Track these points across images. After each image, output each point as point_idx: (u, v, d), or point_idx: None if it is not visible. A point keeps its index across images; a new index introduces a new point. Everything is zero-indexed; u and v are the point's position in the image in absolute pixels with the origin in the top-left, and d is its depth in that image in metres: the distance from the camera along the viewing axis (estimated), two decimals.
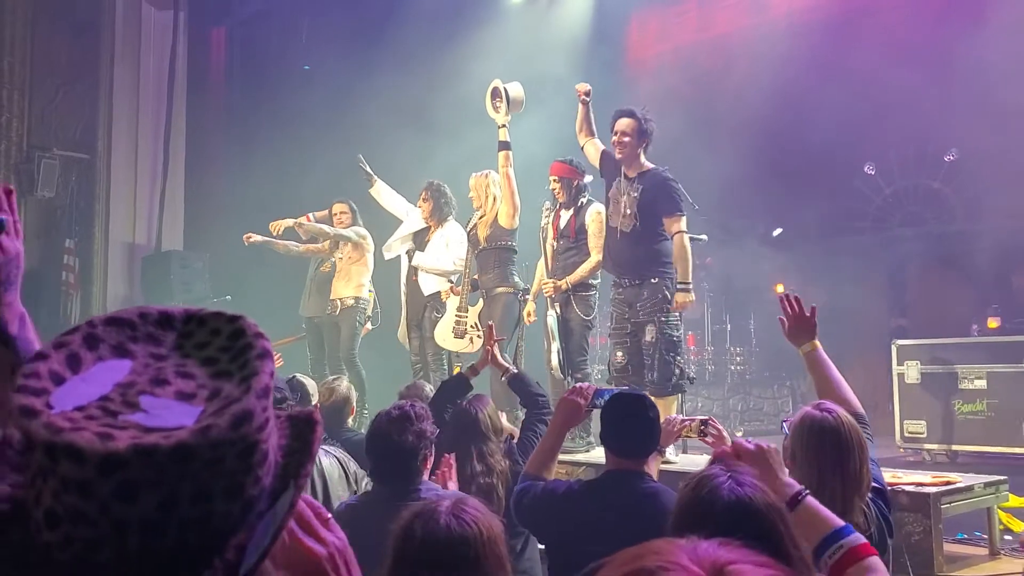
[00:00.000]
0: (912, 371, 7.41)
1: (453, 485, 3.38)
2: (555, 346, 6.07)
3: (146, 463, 0.74)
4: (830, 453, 2.47)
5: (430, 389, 5.02)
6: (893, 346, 7.60)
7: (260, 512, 0.82)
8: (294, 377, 4.60)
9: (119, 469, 0.74)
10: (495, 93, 6.44)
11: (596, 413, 3.47)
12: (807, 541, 2.04)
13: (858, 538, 2.00)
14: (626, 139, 5.68)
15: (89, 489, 0.74)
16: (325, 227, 7.82)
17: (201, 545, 0.78)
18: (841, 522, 2.06)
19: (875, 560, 1.98)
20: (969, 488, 4.05)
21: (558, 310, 6.11)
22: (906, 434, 7.36)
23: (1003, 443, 6.90)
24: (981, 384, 7.02)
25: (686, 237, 5.63)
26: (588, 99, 6.11)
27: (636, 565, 0.78)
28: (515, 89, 6.44)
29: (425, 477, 3.12)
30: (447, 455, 3.46)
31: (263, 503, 0.83)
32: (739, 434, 9.47)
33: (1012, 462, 6.81)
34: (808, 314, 3.10)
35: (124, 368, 0.83)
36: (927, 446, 7.29)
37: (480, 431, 3.84)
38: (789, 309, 3.13)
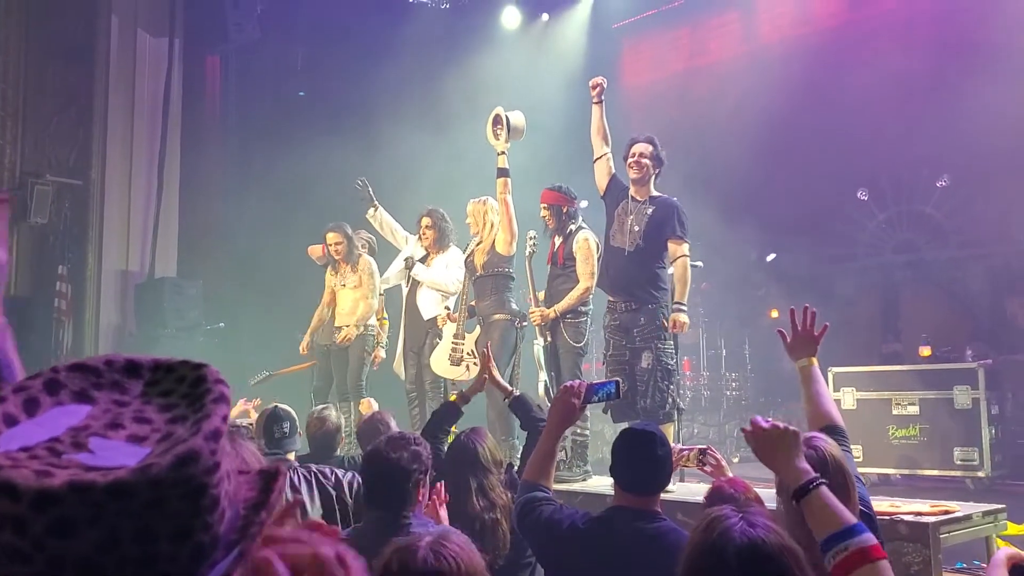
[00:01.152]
0: (848, 397, 7.72)
1: (444, 512, 3.33)
2: (542, 376, 6.05)
3: (81, 500, 0.73)
4: None
5: (395, 423, 4.91)
6: (829, 373, 7.75)
7: (214, 562, 0.81)
8: (276, 407, 4.48)
9: (53, 505, 0.73)
10: (496, 120, 6.41)
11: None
12: (816, 534, 2.00)
13: (868, 539, 1.94)
14: (644, 160, 5.72)
15: (23, 526, 0.74)
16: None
17: None
18: (852, 519, 2.00)
19: (884, 565, 1.93)
20: (968, 517, 4.03)
21: (548, 338, 6.07)
22: None
23: (935, 466, 7.28)
24: (914, 410, 7.38)
25: (688, 261, 5.67)
26: (602, 98, 6.06)
27: None
28: (517, 117, 6.43)
29: (419, 508, 3.07)
30: (439, 484, 3.40)
31: (218, 553, 0.81)
32: (735, 460, 9.44)
33: (943, 484, 7.15)
34: (818, 332, 3.08)
35: (82, 413, 0.82)
36: (864, 470, 7.42)
37: (481, 464, 3.74)
38: (800, 323, 3.09)
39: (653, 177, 5.80)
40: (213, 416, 0.81)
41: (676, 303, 5.58)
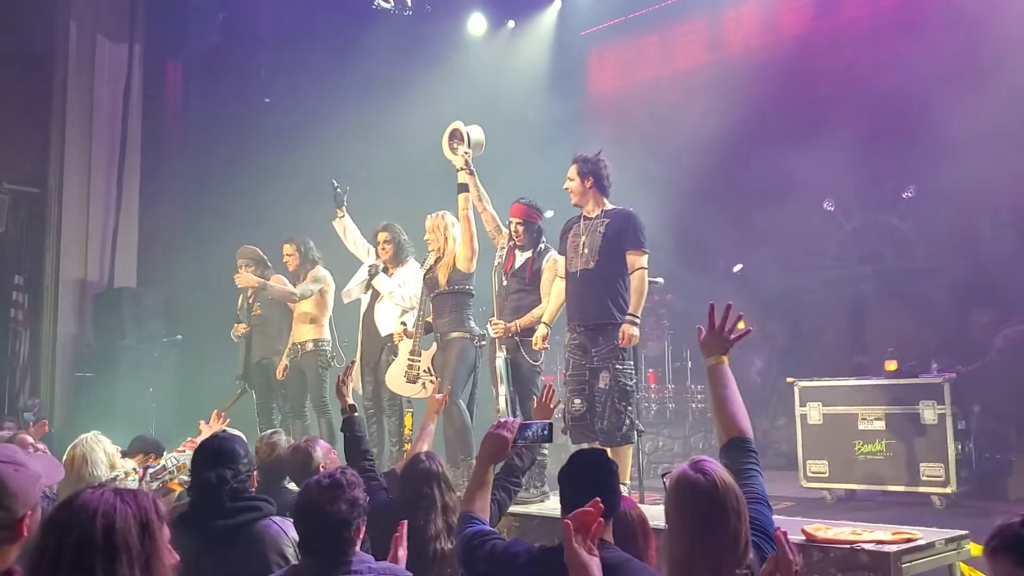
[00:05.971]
0: (814, 412, 7.62)
1: (403, 552, 3.19)
2: (503, 389, 5.92)
3: None
4: (702, 517, 2.32)
5: (286, 440, 4.68)
6: (795, 388, 7.76)
7: None
8: (225, 433, 4.15)
9: None
10: (454, 135, 6.24)
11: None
12: None
13: None
14: (570, 183, 5.62)
15: None
16: (288, 288, 7.57)
17: None
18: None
19: None
20: (931, 545, 3.93)
21: (506, 352, 5.97)
22: (809, 474, 7.61)
23: (901, 483, 7.20)
24: (880, 425, 7.30)
25: (646, 274, 5.51)
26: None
27: None
28: (476, 132, 6.22)
29: (357, 548, 2.91)
30: (400, 523, 3.26)
31: None
32: None
33: (909, 501, 7.13)
34: (735, 336, 2.95)
35: None
36: (830, 485, 7.52)
37: (446, 480, 3.77)
38: (720, 320, 2.97)
39: (593, 190, 5.63)
40: None
41: (629, 314, 5.42)
